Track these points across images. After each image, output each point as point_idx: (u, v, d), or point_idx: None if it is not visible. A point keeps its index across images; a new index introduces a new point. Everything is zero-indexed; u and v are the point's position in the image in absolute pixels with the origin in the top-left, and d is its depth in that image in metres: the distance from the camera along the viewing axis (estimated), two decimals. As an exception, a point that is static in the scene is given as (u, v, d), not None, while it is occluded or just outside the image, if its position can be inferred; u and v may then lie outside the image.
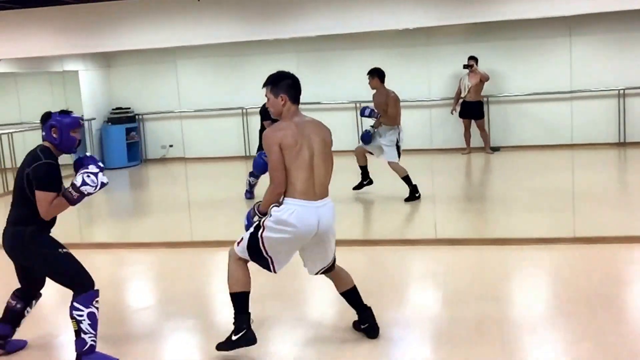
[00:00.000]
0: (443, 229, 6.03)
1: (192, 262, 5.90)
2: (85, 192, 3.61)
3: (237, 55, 9.90)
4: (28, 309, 3.99)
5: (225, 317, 4.49)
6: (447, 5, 6.38)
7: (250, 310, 3.71)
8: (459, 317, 4.18)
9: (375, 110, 7.37)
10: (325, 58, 9.41)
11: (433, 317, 4.25)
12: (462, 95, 9.78)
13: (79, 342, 3.65)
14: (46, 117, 3.80)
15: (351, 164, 7.62)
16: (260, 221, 3.62)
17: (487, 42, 9.92)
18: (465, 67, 9.60)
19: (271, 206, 3.59)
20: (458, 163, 9.79)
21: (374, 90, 7.35)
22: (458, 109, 9.79)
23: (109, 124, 11.41)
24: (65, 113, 3.82)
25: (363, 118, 7.74)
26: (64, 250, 3.75)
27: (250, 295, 3.71)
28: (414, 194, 7.26)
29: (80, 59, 10.67)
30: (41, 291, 4.02)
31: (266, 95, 3.70)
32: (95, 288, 3.73)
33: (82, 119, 3.91)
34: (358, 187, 7.64)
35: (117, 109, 11.52)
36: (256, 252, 3.64)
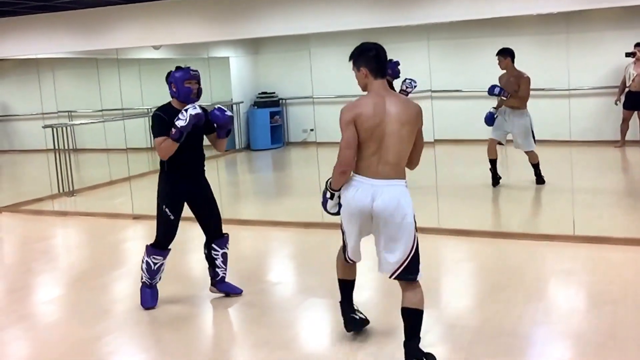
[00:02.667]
0: (581, 225, 5.78)
1: (326, 242, 6.11)
2: (179, 126, 4.04)
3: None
4: (212, 252, 4.57)
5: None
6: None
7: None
8: (592, 318, 4.04)
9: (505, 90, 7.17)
10: (458, 46, 9.23)
11: (565, 316, 4.13)
12: (627, 84, 9.19)
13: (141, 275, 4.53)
14: (168, 77, 4.33)
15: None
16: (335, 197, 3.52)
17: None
18: (627, 55, 8.96)
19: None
20: (607, 156, 9.24)
21: (503, 72, 7.23)
22: (623, 99, 9.24)
23: (255, 107, 11.98)
24: (179, 68, 4.28)
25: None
26: (166, 209, 4.32)
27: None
28: (541, 179, 7.25)
29: (231, 46, 11.27)
30: (224, 237, 4.62)
31: (352, 70, 3.49)
32: (161, 249, 4.40)
33: (193, 70, 4.30)
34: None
35: (262, 93, 12.06)
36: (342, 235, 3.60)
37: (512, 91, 7.16)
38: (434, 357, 3.38)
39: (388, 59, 7.14)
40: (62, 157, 8.71)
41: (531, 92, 7.31)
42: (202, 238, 4.63)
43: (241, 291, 4.69)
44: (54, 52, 8.32)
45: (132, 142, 8.97)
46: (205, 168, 4.52)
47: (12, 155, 11.85)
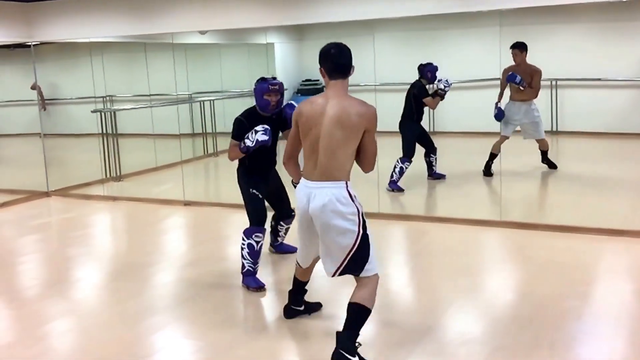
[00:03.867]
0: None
1: (381, 233, 5.96)
2: (246, 144, 4.34)
3: (434, 29, 9.69)
4: (279, 226, 5.17)
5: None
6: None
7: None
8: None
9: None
10: (529, 32, 8.93)
11: (630, 312, 3.95)
12: None
13: (242, 264, 4.59)
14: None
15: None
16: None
17: None
18: None
19: None
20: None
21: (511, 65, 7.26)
22: None
23: (299, 95, 11.83)
24: (263, 80, 4.51)
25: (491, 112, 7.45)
26: (253, 190, 4.62)
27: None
28: (551, 164, 7.63)
29: (276, 32, 11.11)
30: (292, 216, 5.05)
31: None
32: (259, 226, 4.55)
33: (272, 84, 4.46)
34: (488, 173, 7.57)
35: (306, 81, 11.90)
36: None
37: (527, 84, 7.28)
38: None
39: (426, 62, 6.90)
40: (110, 141, 8.70)
41: (608, 83, 7.16)
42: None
43: (295, 249, 4.92)
44: (106, 36, 8.28)
45: (175, 128, 8.91)
46: (277, 160, 4.76)
47: (58, 139, 11.87)
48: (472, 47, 7.83)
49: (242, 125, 4.51)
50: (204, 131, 10.23)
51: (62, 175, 8.83)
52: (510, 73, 7.22)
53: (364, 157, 3.34)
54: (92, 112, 8.60)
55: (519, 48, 7.23)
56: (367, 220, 3.38)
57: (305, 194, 3.34)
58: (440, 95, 7.07)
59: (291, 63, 12.12)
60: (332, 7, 7.01)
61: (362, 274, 3.34)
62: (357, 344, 3.27)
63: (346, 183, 3.31)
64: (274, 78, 4.56)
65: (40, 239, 6.43)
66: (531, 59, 7.37)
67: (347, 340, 3.25)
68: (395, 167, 7.14)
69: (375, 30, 6.91)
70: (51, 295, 4.73)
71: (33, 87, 8.69)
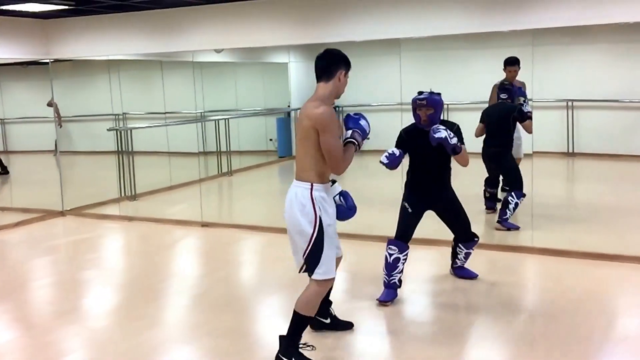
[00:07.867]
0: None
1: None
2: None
3: (461, 49, 9.57)
4: (457, 249, 4.94)
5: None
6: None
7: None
8: None
9: None
10: (542, 53, 8.83)
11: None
12: None
13: None
14: None
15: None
16: None
17: None
18: None
19: None
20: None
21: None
22: None
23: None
24: (417, 94, 4.45)
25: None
26: (404, 203, 4.57)
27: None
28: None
29: (292, 51, 11.10)
30: (473, 241, 4.85)
31: None
32: (398, 240, 4.51)
33: (419, 100, 4.37)
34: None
35: (321, 100, 11.84)
36: None
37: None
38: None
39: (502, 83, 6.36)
40: (125, 160, 8.60)
41: (625, 104, 7.00)
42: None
43: (476, 275, 5.01)
44: (123, 54, 8.22)
45: (189, 146, 8.80)
46: (448, 180, 4.62)
47: (73, 156, 11.76)
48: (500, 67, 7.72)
49: (400, 138, 4.54)
50: (218, 150, 10.12)
51: (77, 193, 8.68)
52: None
53: (326, 158, 3.39)
54: (108, 130, 8.52)
55: (518, 64, 6.70)
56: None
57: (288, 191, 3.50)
58: (530, 117, 6.22)
59: (306, 82, 12.06)
60: (355, 26, 6.94)
61: (312, 276, 3.44)
62: (304, 346, 3.53)
63: (311, 184, 3.39)
64: (431, 92, 4.42)
65: (55, 260, 6.28)
66: (545, 79, 7.27)
67: (284, 345, 3.47)
68: (508, 202, 6.18)
69: (401, 49, 6.82)
70: (67, 324, 4.44)
71: (50, 104, 8.62)
